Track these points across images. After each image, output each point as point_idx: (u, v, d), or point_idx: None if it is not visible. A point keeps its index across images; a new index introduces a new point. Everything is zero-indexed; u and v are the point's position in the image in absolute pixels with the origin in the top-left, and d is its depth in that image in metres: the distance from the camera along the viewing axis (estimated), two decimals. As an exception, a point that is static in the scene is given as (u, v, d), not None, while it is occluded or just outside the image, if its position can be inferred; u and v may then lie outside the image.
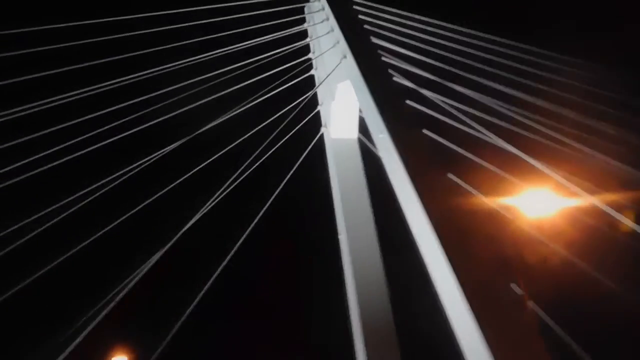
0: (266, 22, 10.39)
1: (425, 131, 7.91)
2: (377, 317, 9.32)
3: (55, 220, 7.54)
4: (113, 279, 7.80)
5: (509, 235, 6.91)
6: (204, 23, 10.14)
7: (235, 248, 8.77)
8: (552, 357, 5.37)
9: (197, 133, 8.94)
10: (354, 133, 10.72)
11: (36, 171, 7.69)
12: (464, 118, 7.95)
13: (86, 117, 8.32)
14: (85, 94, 8.51)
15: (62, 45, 8.69)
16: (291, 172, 10.01)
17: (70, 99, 8.34)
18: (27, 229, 7.36)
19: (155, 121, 8.79)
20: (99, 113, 8.43)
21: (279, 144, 9.67)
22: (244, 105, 9.50)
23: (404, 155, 7.44)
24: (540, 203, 6.88)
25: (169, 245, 7.93)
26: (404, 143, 7.68)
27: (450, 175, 7.05)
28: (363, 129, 10.64)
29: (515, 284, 6.02)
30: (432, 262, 6.39)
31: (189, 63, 9.49)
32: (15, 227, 7.26)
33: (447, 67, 8.97)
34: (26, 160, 7.64)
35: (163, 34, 9.62)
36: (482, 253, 6.22)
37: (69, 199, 7.70)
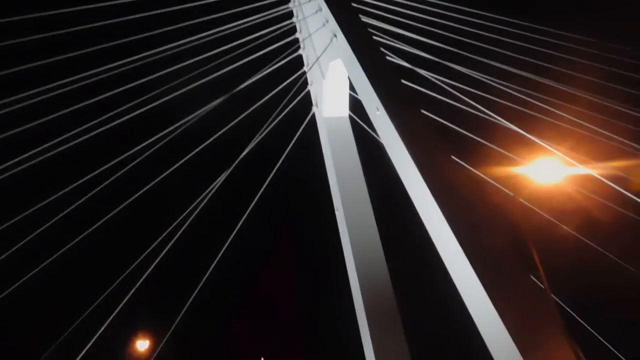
0: (248, 4, 10.20)
1: (423, 111, 7.91)
2: (379, 294, 9.43)
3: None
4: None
5: (517, 213, 7.04)
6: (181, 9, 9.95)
7: (236, 228, 8.91)
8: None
9: (186, 121, 8.94)
10: (345, 111, 10.68)
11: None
12: (462, 97, 7.95)
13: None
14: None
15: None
16: (284, 154, 10.01)
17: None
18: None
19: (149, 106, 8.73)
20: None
21: (271, 126, 9.65)
22: (232, 92, 9.41)
23: (405, 136, 7.40)
24: (545, 179, 6.98)
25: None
26: (403, 123, 7.63)
27: (454, 157, 7.11)
28: (353, 107, 10.63)
29: (528, 264, 6.19)
30: (443, 246, 6.49)
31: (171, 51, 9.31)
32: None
33: (441, 46, 8.88)
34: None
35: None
36: (493, 229, 6.33)
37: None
